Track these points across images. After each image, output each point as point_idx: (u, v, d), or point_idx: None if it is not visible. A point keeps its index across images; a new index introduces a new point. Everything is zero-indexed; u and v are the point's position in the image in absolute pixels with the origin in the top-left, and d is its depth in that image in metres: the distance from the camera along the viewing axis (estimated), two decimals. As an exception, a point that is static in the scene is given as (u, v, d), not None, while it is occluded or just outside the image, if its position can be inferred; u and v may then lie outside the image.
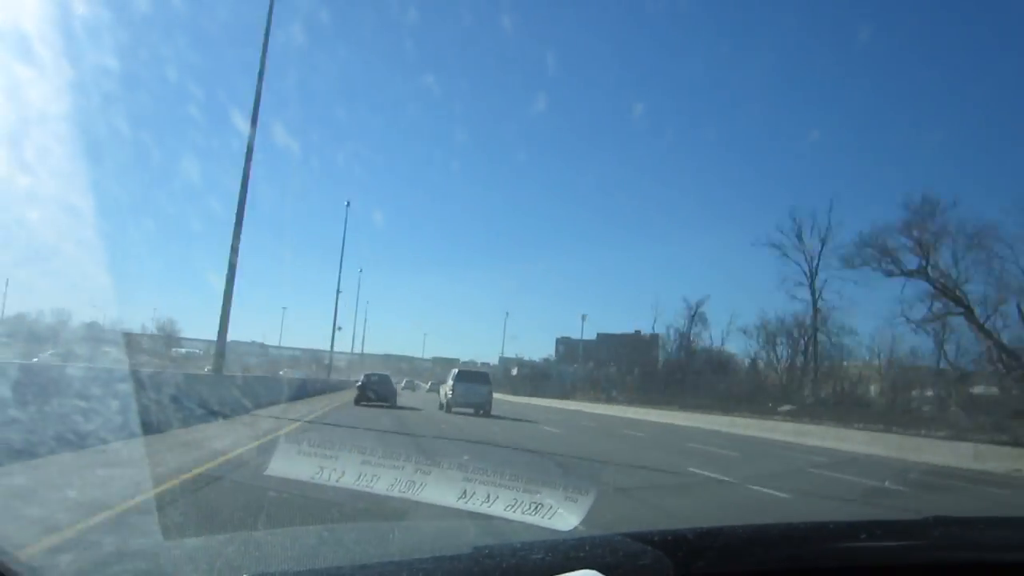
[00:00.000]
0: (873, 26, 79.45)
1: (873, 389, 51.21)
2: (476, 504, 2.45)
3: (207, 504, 6.63)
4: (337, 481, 2.83)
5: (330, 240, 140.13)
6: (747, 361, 65.37)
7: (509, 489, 2.45)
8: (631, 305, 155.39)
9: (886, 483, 13.21)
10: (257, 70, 24.42)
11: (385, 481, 2.74)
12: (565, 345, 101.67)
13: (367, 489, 2.77)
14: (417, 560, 1.87)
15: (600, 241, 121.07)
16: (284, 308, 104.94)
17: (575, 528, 2.24)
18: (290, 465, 2.55)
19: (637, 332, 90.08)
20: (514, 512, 2.34)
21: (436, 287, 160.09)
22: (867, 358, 53.77)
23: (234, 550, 2.48)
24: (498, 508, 2.39)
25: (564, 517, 2.31)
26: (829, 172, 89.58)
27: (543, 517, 2.32)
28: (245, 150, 24.21)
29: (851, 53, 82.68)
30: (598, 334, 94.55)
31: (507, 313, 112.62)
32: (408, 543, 2.59)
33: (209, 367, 30.55)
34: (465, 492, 2.52)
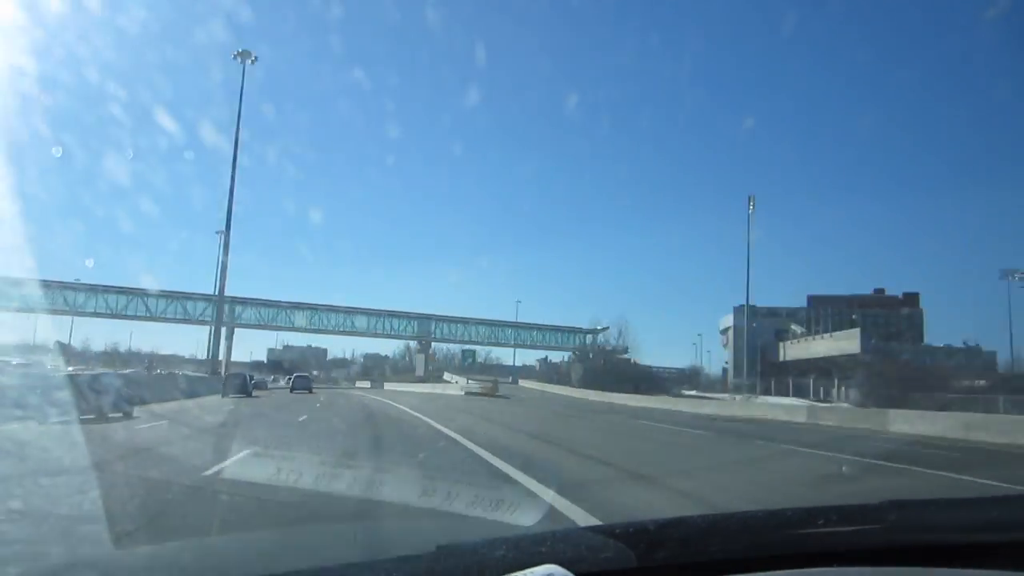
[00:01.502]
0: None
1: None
2: (437, 502, 2.44)
3: (158, 510, 6.48)
4: (295, 483, 2.78)
5: (267, 237, 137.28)
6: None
7: (470, 486, 2.44)
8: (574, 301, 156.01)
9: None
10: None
11: (344, 481, 2.70)
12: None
13: (326, 490, 2.73)
14: (379, 561, 1.84)
15: (539, 235, 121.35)
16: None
17: (537, 523, 2.24)
18: (246, 468, 2.50)
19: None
20: (475, 509, 2.34)
21: (370, 282, 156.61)
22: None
23: (189, 557, 2.42)
24: (459, 505, 2.38)
25: (526, 512, 2.31)
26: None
27: (505, 513, 2.31)
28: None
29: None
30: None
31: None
32: (369, 543, 2.56)
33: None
34: (425, 490, 2.51)
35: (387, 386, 77.60)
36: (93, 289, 71.03)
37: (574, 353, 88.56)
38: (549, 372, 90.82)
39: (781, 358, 75.43)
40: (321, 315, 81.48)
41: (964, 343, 75.08)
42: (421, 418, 22.73)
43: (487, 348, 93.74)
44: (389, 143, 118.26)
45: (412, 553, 1.87)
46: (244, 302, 76.16)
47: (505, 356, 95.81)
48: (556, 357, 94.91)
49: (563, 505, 4.66)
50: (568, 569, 1.65)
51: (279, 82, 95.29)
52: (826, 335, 73.15)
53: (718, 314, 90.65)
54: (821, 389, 58.63)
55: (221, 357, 61.42)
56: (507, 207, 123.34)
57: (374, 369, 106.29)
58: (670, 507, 6.75)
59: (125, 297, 71.68)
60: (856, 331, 68.61)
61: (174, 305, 74.15)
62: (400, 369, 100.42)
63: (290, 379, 62.59)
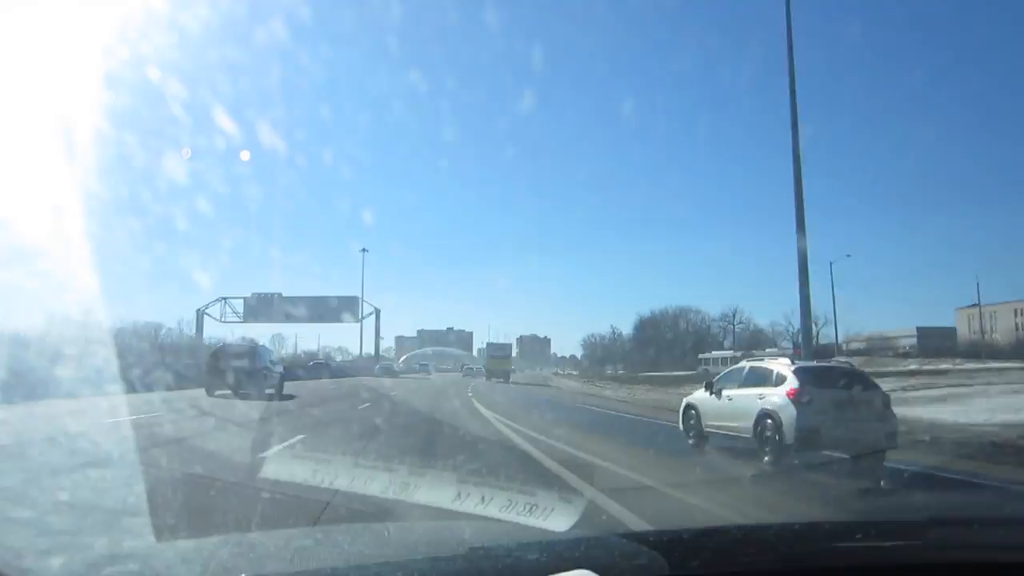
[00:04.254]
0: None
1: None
2: (471, 505, 2.45)
3: (199, 506, 6.59)
4: (331, 484, 2.81)
5: (319, 237, 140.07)
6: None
7: (504, 490, 2.45)
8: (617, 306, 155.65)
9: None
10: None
11: (379, 484, 2.73)
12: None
13: (361, 491, 2.76)
14: (412, 561, 1.86)
15: (590, 239, 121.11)
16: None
17: (570, 528, 2.24)
18: (283, 468, 2.53)
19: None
20: (509, 513, 2.34)
21: (424, 283, 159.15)
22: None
23: (228, 552, 2.47)
24: (493, 509, 2.39)
25: (559, 518, 2.31)
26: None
27: (538, 518, 2.32)
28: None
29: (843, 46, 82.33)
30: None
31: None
32: (403, 544, 2.58)
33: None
34: (459, 494, 2.52)
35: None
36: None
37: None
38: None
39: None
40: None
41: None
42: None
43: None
44: (443, 146, 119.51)
45: (445, 554, 1.88)
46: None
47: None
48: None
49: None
50: (600, 575, 1.66)
51: (337, 83, 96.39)
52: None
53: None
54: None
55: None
56: (558, 211, 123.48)
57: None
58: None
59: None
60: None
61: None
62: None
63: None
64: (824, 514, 6.89)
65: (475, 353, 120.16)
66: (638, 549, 1.83)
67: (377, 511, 3.43)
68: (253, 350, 25.39)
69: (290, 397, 24.67)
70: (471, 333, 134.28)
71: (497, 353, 68.92)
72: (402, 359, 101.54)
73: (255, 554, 2.45)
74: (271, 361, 26.27)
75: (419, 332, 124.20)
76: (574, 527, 2.22)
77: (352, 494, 3.02)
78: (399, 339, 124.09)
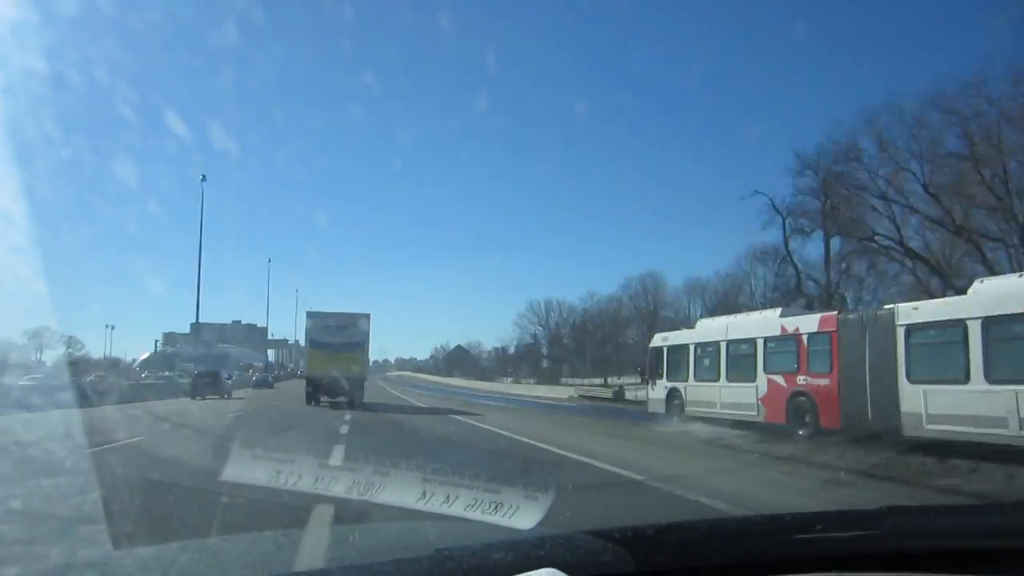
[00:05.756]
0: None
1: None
2: (436, 505, 2.44)
3: (157, 511, 6.48)
4: (294, 485, 2.78)
5: (273, 241, 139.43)
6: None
7: (469, 489, 2.43)
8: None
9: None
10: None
11: (343, 484, 2.70)
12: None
13: (325, 492, 2.73)
14: (377, 563, 1.85)
15: (546, 235, 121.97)
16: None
17: (535, 526, 2.24)
18: (244, 470, 2.50)
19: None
20: (474, 512, 2.33)
21: (381, 285, 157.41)
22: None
23: (188, 558, 2.43)
24: (458, 508, 2.38)
25: (524, 515, 2.30)
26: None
27: (503, 516, 2.31)
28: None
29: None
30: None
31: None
32: (368, 546, 2.56)
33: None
34: (424, 493, 2.50)
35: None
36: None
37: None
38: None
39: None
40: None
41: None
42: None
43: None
44: (397, 147, 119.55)
45: (410, 556, 1.87)
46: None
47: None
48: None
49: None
50: (566, 572, 1.66)
51: (290, 84, 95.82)
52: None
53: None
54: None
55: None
56: (513, 210, 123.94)
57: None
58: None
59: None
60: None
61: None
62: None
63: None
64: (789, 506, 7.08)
65: (270, 358, 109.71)
66: (603, 546, 1.84)
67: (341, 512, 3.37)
68: (217, 372, 40.81)
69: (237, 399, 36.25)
70: (264, 328, 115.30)
71: (332, 338, 28.69)
72: (141, 358, 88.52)
73: (216, 560, 2.41)
74: (227, 377, 41.65)
75: (192, 326, 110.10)
76: (539, 525, 2.22)
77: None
78: (168, 335, 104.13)
